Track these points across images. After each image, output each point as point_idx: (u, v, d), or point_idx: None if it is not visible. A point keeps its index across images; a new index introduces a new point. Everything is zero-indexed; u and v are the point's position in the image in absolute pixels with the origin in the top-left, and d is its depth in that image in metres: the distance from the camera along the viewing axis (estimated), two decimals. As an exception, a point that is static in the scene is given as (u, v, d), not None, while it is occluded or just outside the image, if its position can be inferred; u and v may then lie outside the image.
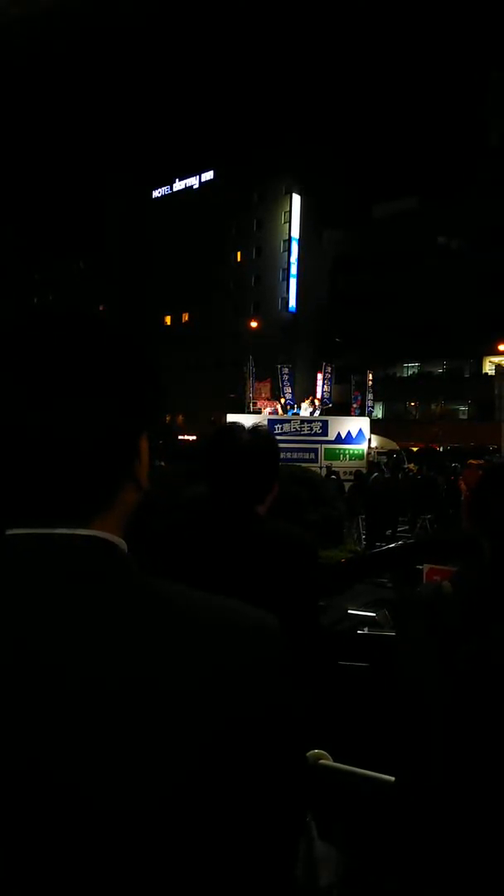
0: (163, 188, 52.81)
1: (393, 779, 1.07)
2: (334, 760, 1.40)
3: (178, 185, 51.89)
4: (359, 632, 2.41)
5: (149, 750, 0.47)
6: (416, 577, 2.55)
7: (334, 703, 1.92)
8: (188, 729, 0.48)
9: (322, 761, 1.37)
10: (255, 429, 1.42)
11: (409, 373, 39.62)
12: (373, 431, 18.76)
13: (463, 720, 0.87)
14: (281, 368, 21.53)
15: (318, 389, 21.51)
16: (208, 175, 49.71)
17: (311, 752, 1.37)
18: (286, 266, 44.20)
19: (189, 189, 51.08)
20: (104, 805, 0.45)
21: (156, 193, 53.19)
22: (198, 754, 0.47)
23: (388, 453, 18.30)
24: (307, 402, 19.91)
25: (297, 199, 43.64)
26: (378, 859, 1.40)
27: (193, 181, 50.86)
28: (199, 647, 0.50)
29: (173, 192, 52.18)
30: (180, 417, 40.31)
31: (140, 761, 0.46)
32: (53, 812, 0.45)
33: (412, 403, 37.93)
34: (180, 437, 24.18)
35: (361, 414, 19.61)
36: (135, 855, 0.46)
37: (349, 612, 2.59)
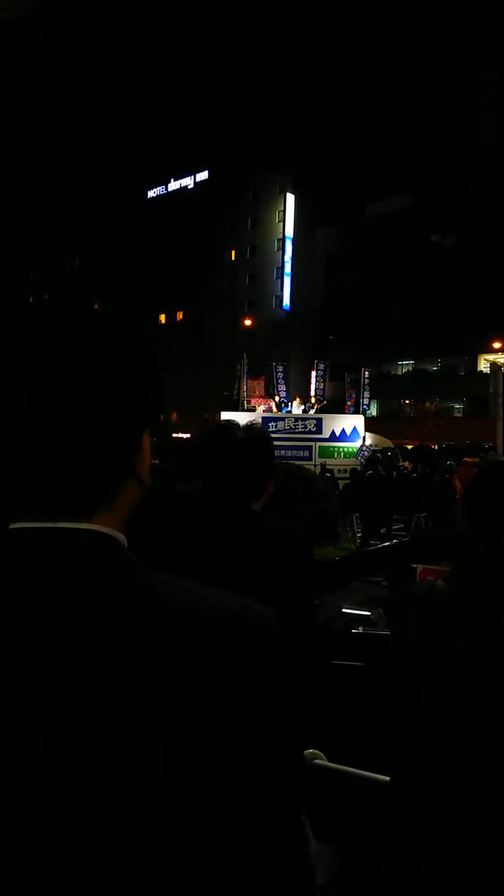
0: (158, 188, 52.80)
1: (388, 778, 1.06)
2: (329, 760, 1.39)
3: (174, 185, 51.88)
4: (353, 631, 2.40)
5: (142, 725, 0.47)
6: (410, 575, 2.54)
7: (329, 702, 1.91)
8: (179, 707, 0.48)
9: (317, 761, 1.36)
10: (250, 427, 1.41)
11: (404, 370, 39.70)
12: (367, 429, 18.80)
13: (459, 716, 0.86)
14: (275, 366, 21.54)
15: (312, 387, 21.54)
16: (203, 175, 49.70)
17: (306, 751, 1.36)
18: (280, 264, 44.22)
19: (184, 189, 51.08)
20: (105, 773, 0.46)
21: (151, 193, 53.17)
22: (189, 731, 0.48)
23: (383, 451, 18.34)
24: (297, 400, 19.95)
25: (291, 199, 43.66)
26: (372, 858, 1.39)
27: (188, 181, 50.86)
28: (193, 632, 0.51)
29: (168, 192, 52.17)
30: (174, 415, 40.27)
31: (135, 736, 0.47)
32: (58, 780, 0.46)
33: (407, 401, 38.01)
34: (174, 435, 24.16)
35: (356, 411, 19.65)
36: (132, 831, 0.46)
37: (343, 610, 2.58)
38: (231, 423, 1.43)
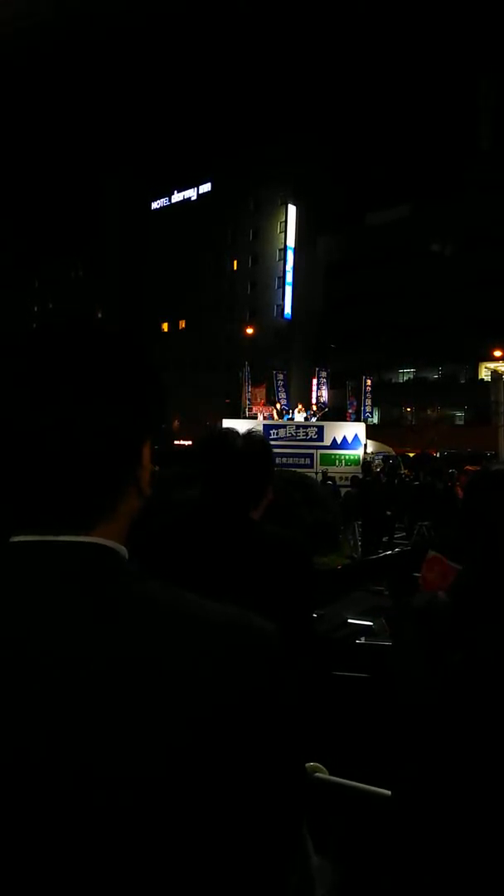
0: (162, 199, 53.41)
1: (389, 792, 1.04)
2: (331, 774, 1.37)
3: (177, 197, 52.51)
4: (357, 641, 2.37)
5: (142, 725, 0.47)
6: (413, 584, 2.52)
7: (331, 714, 1.89)
8: (179, 708, 0.49)
9: (318, 774, 1.34)
10: (250, 434, 1.41)
11: (405, 378, 39.79)
12: (368, 437, 18.81)
13: (458, 726, 0.85)
14: (275, 374, 21.63)
15: (313, 394, 21.61)
16: (206, 187, 50.28)
17: (307, 764, 1.34)
18: (282, 274, 44.54)
19: (187, 200, 51.64)
20: (105, 772, 0.46)
21: (155, 205, 53.78)
22: (189, 732, 0.48)
23: (384, 458, 18.34)
24: (298, 408, 19.98)
25: (292, 209, 44.06)
26: (375, 872, 1.37)
27: (191, 193, 51.46)
28: (193, 636, 0.51)
29: (172, 204, 52.76)
30: (176, 423, 40.38)
31: (135, 736, 0.47)
32: (58, 779, 0.46)
33: (408, 409, 38.05)
34: (176, 442, 24.22)
35: (357, 419, 19.67)
36: (132, 831, 0.46)
37: (349, 620, 2.55)
38: (230, 430, 1.43)
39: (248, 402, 22.06)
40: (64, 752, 0.46)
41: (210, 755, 0.48)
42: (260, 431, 1.54)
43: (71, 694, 0.47)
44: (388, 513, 11.57)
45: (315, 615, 2.37)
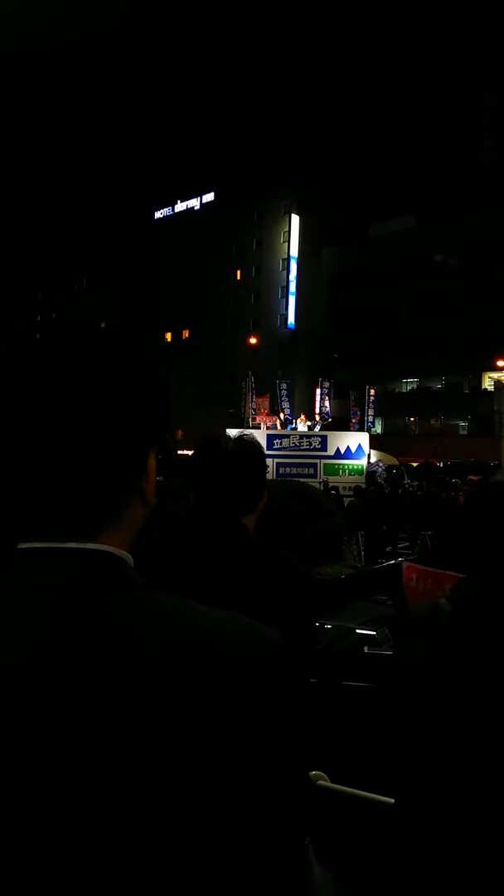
0: (165, 209, 53.73)
1: (392, 800, 1.05)
2: (335, 783, 1.37)
3: (180, 207, 52.80)
4: (366, 650, 2.37)
5: (143, 729, 0.48)
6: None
7: (335, 723, 1.88)
8: (180, 713, 0.49)
9: (320, 782, 1.34)
10: (241, 437, 1.40)
11: (409, 388, 39.75)
12: (372, 446, 18.76)
13: (459, 731, 0.85)
14: (279, 384, 21.64)
15: (317, 404, 21.59)
16: (209, 196, 50.59)
17: (310, 773, 1.34)
18: (285, 284, 44.70)
19: (190, 210, 51.97)
20: (106, 775, 0.47)
21: (158, 214, 54.10)
22: (189, 735, 0.49)
23: (388, 468, 18.26)
24: (301, 419, 19.96)
25: (295, 220, 44.31)
26: (378, 881, 1.37)
27: (195, 202, 51.77)
28: (196, 643, 0.52)
29: (175, 213, 53.07)
30: (179, 433, 40.37)
31: (135, 739, 0.48)
32: (59, 782, 0.47)
33: (411, 419, 37.98)
34: (179, 452, 24.20)
35: (360, 429, 19.61)
36: (133, 835, 0.46)
37: (357, 631, 2.55)
38: (222, 434, 1.41)
39: (251, 412, 22.06)
40: (66, 755, 0.47)
41: (212, 759, 0.49)
42: (253, 435, 1.52)
43: (74, 697, 0.48)
44: (392, 523, 11.52)
45: (327, 626, 2.36)
